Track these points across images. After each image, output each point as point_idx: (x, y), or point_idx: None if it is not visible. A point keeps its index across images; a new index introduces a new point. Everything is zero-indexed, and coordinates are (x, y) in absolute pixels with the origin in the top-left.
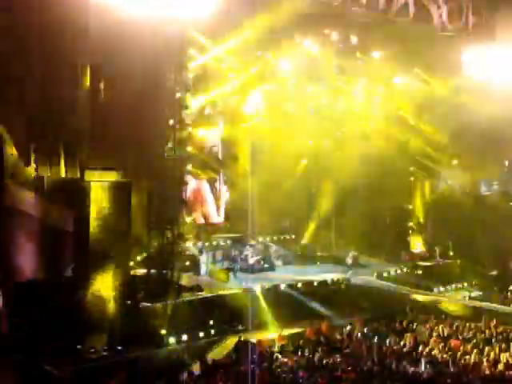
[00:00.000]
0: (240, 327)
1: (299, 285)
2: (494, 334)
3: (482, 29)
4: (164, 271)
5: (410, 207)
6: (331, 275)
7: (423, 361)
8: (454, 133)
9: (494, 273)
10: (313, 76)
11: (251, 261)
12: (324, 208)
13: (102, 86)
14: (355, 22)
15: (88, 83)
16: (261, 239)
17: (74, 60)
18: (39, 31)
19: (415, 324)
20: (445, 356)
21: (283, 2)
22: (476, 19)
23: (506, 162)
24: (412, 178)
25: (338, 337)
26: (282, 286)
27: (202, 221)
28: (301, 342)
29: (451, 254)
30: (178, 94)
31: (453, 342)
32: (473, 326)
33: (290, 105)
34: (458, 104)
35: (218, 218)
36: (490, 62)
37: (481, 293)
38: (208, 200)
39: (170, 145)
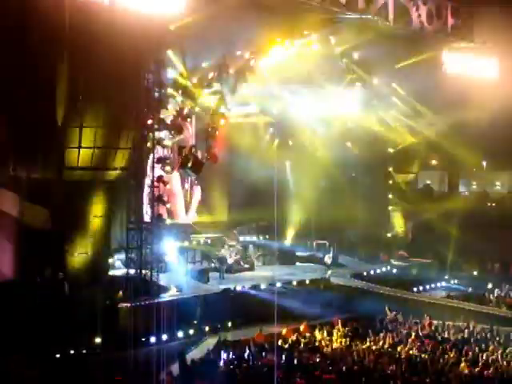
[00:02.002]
0: (219, 327)
1: (278, 284)
2: (473, 334)
3: (461, 29)
4: (143, 271)
5: (390, 208)
6: (310, 275)
7: None
8: (434, 133)
9: (472, 273)
10: (292, 76)
11: (230, 261)
12: (304, 208)
13: (80, 85)
14: (334, 23)
15: (66, 84)
16: (241, 239)
17: (53, 61)
18: (20, 26)
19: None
20: (423, 356)
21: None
22: (455, 20)
23: (484, 163)
24: (391, 182)
25: (318, 336)
26: (262, 286)
27: (167, 219)
28: (280, 341)
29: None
30: (157, 94)
31: (431, 342)
32: (452, 325)
33: (270, 105)
34: (436, 104)
35: (185, 217)
36: (468, 62)
37: (459, 292)
38: (177, 195)
39: (148, 144)
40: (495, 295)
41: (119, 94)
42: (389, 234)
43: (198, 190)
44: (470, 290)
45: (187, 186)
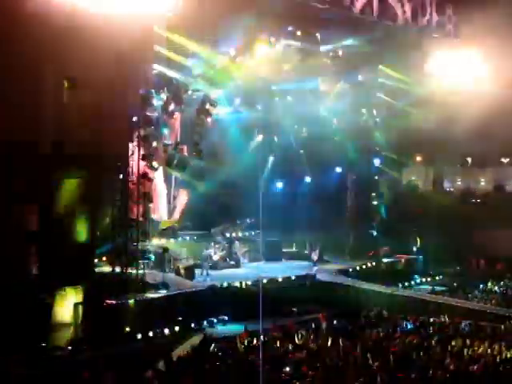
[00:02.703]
0: (205, 324)
1: (264, 281)
2: (458, 329)
3: (446, 26)
4: (129, 269)
5: (375, 203)
6: (296, 271)
7: None
8: (418, 129)
9: (457, 269)
10: (278, 73)
11: (216, 258)
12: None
13: (65, 84)
14: (320, 20)
15: (50, 83)
16: (227, 235)
17: (37, 61)
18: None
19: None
20: (409, 351)
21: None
22: (439, 17)
23: (469, 159)
24: (376, 177)
25: (303, 333)
26: (247, 283)
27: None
28: (266, 338)
29: (414, 249)
30: (142, 91)
31: (416, 338)
32: (437, 321)
33: (255, 102)
34: (421, 101)
35: (166, 216)
36: (453, 59)
37: (443, 288)
38: (159, 195)
39: (134, 142)
40: (480, 291)
41: (104, 92)
42: (374, 232)
43: (183, 194)
44: (455, 285)
45: (172, 189)
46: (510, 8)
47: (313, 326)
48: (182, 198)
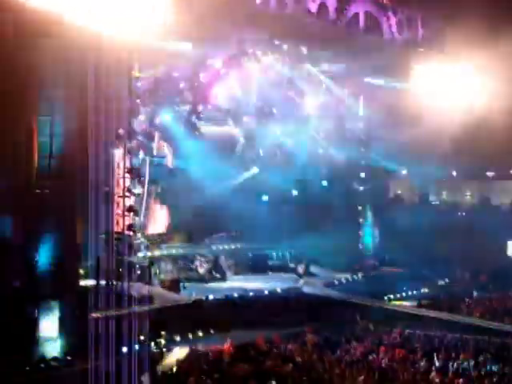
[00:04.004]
0: (190, 337)
1: (250, 294)
2: (444, 343)
3: (432, 41)
4: (114, 282)
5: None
6: (282, 284)
7: None
8: (404, 142)
9: (443, 281)
10: (264, 85)
11: (201, 271)
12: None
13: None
14: (306, 33)
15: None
16: (213, 248)
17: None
18: None
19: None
20: (394, 365)
21: (234, 12)
22: (425, 31)
23: (454, 172)
24: (361, 188)
25: (289, 346)
26: (234, 296)
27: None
28: (252, 351)
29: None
30: (128, 103)
31: (401, 351)
32: (422, 334)
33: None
34: (406, 114)
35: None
36: (438, 74)
37: (430, 301)
38: (145, 207)
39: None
40: (466, 304)
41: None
42: (360, 245)
43: (164, 212)
44: (441, 298)
45: (157, 207)
46: (497, 23)
47: (299, 339)
48: (164, 210)
